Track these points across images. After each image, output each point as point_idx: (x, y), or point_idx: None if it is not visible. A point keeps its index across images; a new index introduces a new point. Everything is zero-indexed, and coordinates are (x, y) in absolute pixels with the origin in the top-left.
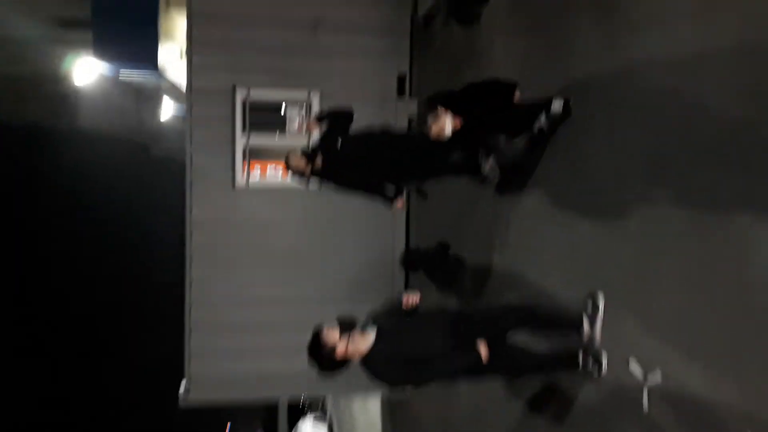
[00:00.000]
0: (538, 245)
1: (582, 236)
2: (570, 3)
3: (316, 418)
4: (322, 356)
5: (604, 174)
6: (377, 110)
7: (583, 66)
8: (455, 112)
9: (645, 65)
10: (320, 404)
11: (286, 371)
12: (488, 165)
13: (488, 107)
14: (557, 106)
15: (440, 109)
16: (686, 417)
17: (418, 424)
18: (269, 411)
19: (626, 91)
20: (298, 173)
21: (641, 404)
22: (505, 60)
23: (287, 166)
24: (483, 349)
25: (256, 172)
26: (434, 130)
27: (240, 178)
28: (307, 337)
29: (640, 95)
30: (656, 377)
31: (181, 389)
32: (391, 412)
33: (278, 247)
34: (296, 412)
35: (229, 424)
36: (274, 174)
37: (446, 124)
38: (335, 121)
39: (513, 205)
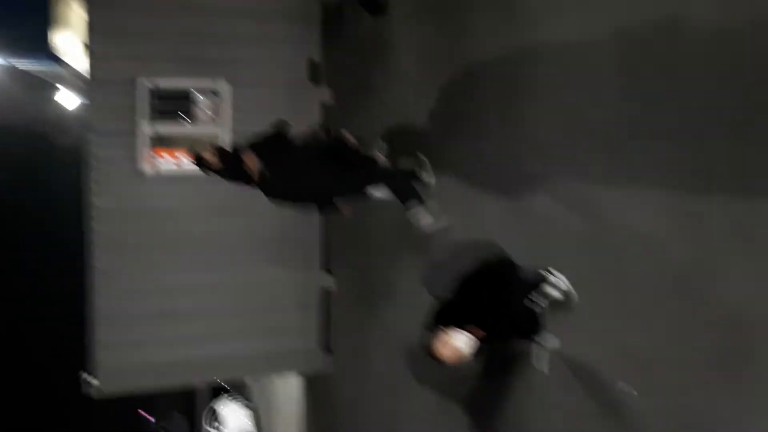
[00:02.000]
0: None
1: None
2: None
3: (236, 401)
4: None
5: (501, 156)
6: (288, 98)
7: (484, 53)
8: (468, 324)
9: (541, 52)
10: (240, 386)
11: (201, 358)
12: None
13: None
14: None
15: (442, 331)
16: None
17: (335, 398)
18: (186, 394)
19: (523, 77)
20: (206, 169)
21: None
22: (411, 51)
23: (197, 160)
24: None
25: (163, 160)
26: (447, 356)
27: (146, 166)
28: (223, 324)
29: (534, 81)
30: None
31: (88, 381)
32: (310, 388)
33: (189, 234)
34: (215, 395)
35: (141, 412)
36: (183, 162)
37: (460, 344)
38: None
39: None
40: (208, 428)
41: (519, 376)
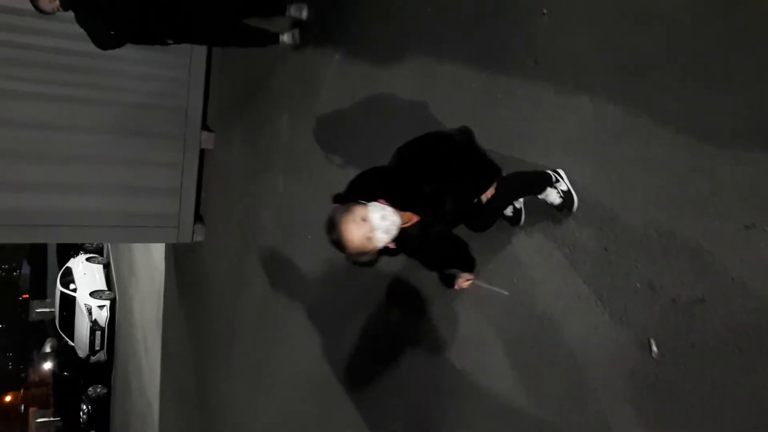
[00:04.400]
0: None
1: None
2: None
3: (90, 258)
4: None
5: None
6: None
7: None
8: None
9: None
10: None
11: (55, 210)
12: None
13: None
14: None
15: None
16: None
17: (203, 271)
18: (36, 244)
19: None
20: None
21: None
22: None
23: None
24: None
25: None
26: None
27: None
28: (82, 173)
29: None
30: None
31: None
32: (176, 256)
33: (46, 66)
34: (67, 249)
35: None
36: None
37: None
38: None
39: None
40: (62, 289)
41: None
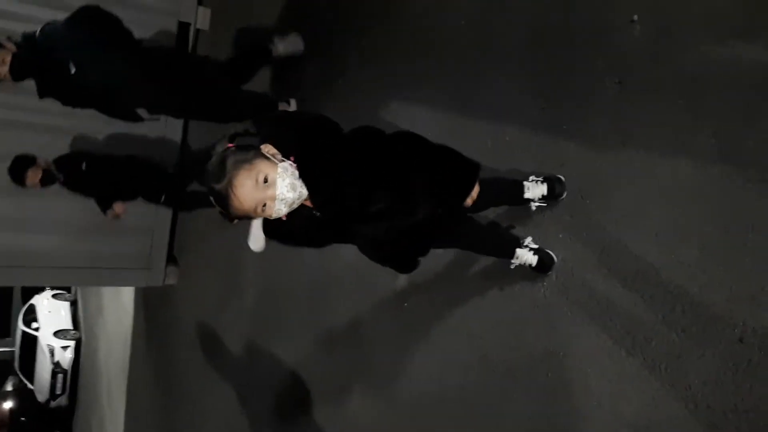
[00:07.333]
0: None
1: None
2: None
3: (56, 294)
4: None
5: None
6: None
7: None
8: None
9: None
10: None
11: (14, 251)
12: None
13: None
14: None
15: None
16: None
17: (180, 316)
18: None
19: None
20: None
21: None
22: None
23: None
24: None
25: None
26: None
27: None
28: (45, 209)
29: None
30: None
31: None
32: (146, 299)
33: None
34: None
35: None
36: None
37: None
38: None
39: None
40: (24, 328)
41: None
